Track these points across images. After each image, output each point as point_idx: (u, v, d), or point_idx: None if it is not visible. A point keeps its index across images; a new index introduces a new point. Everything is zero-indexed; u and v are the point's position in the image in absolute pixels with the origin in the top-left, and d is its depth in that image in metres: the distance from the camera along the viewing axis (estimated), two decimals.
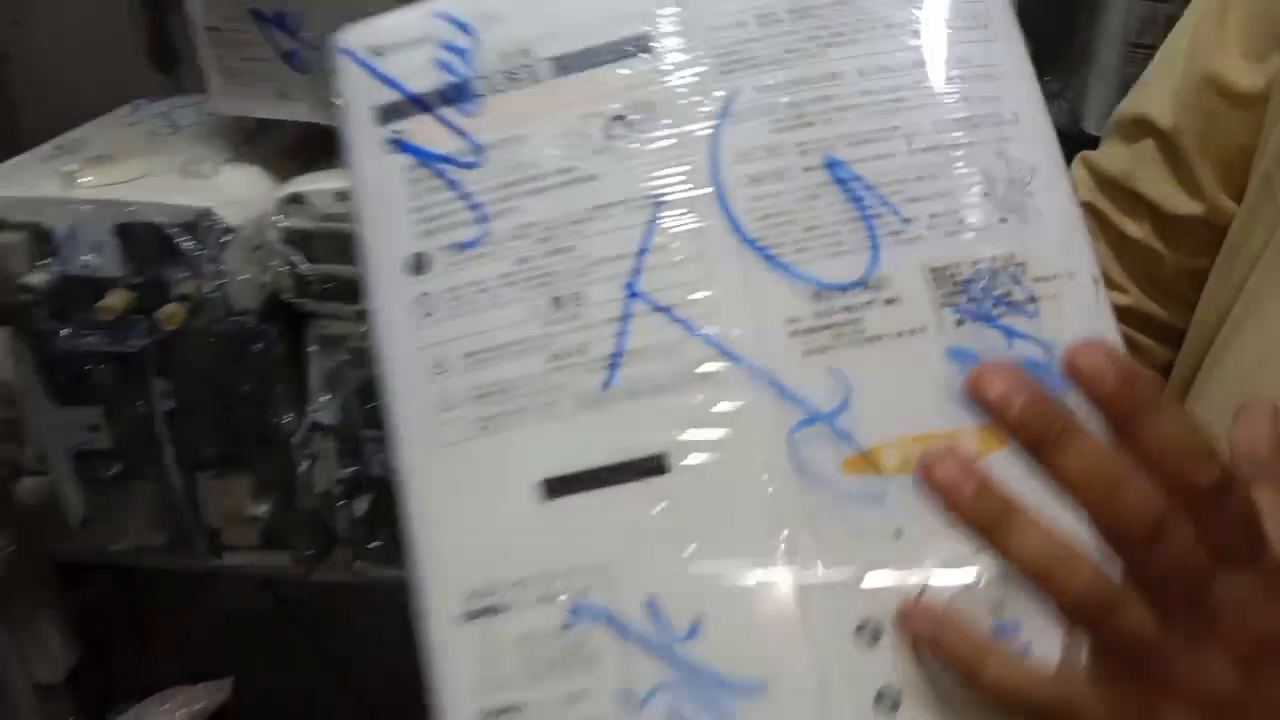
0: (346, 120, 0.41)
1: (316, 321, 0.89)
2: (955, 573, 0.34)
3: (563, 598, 0.36)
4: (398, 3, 0.42)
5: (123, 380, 0.92)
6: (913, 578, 0.34)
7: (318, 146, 0.92)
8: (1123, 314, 0.52)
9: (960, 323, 0.37)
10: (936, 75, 0.39)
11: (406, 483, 0.39)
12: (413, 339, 0.39)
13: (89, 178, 0.82)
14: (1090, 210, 0.56)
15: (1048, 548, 0.29)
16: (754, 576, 0.35)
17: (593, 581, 0.36)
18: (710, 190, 0.38)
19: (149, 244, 0.82)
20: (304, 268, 0.84)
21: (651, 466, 0.36)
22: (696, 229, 0.38)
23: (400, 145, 0.40)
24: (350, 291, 0.85)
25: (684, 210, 0.38)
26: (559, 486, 0.37)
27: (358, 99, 0.41)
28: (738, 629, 0.35)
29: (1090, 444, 0.27)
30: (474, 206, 0.39)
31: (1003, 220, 0.38)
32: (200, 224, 0.81)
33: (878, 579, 0.35)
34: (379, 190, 0.40)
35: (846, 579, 0.35)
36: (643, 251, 0.38)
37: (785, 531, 0.35)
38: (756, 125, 0.38)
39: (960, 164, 0.38)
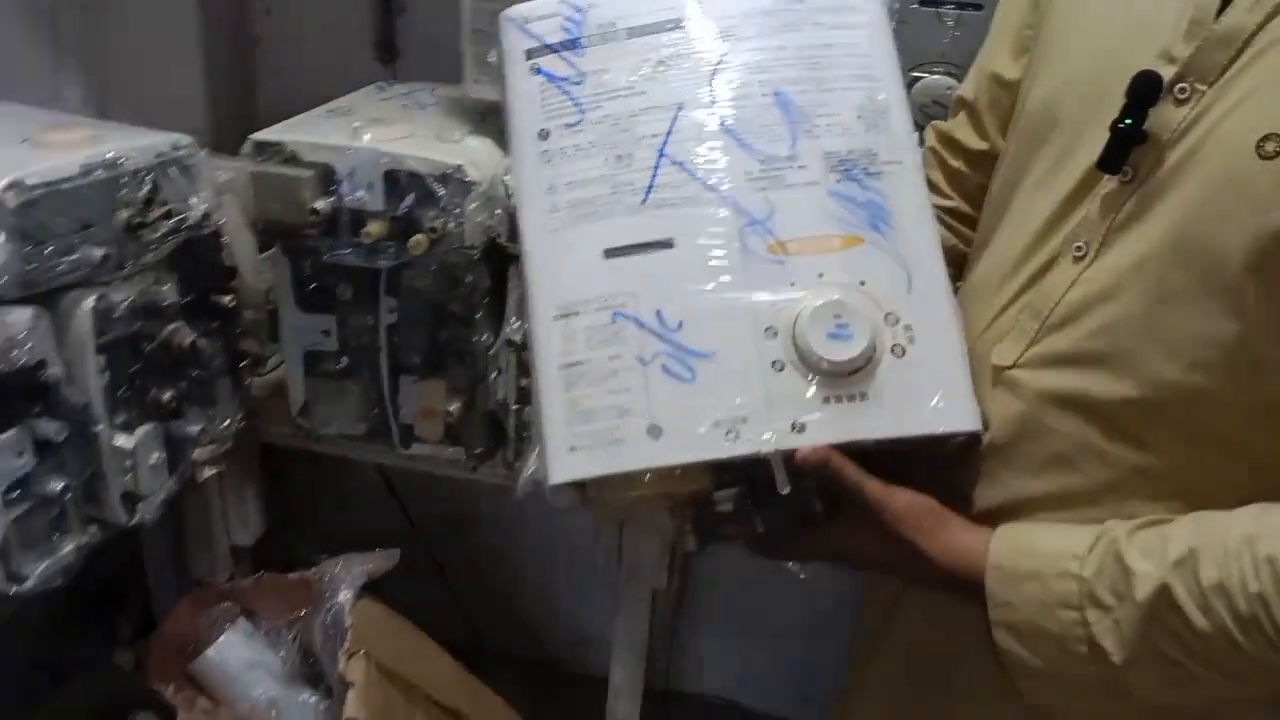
0: (507, 58, 0.76)
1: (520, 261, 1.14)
2: (818, 295, 0.67)
3: (610, 309, 0.70)
4: None
5: (358, 295, 1.19)
6: (797, 303, 0.67)
7: None
8: (949, 212, 0.87)
9: (839, 180, 0.70)
10: (838, 50, 0.74)
11: (528, 252, 0.73)
12: (538, 175, 0.73)
13: (369, 134, 1.09)
14: (933, 152, 0.91)
15: None
16: (715, 299, 0.69)
17: (627, 301, 0.70)
18: (710, 103, 0.73)
19: (409, 187, 1.08)
20: None
21: (665, 243, 0.71)
22: (699, 122, 0.73)
23: (538, 70, 0.76)
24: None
25: (694, 111, 0.73)
26: (613, 253, 0.72)
27: (515, 46, 0.77)
28: (704, 326, 0.68)
29: None
30: (577, 104, 0.75)
31: (867, 130, 0.72)
32: (452, 176, 1.07)
33: (777, 302, 0.68)
34: (525, 95, 0.76)
35: (762, 301, 0.68)
36: (669, 133, 0.72)
37: (729, 278, 0.69)
38: (738, 72, 0.73)
39: (847, 99, 0.72)
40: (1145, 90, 0.62)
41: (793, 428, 0.65)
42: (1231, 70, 0.60)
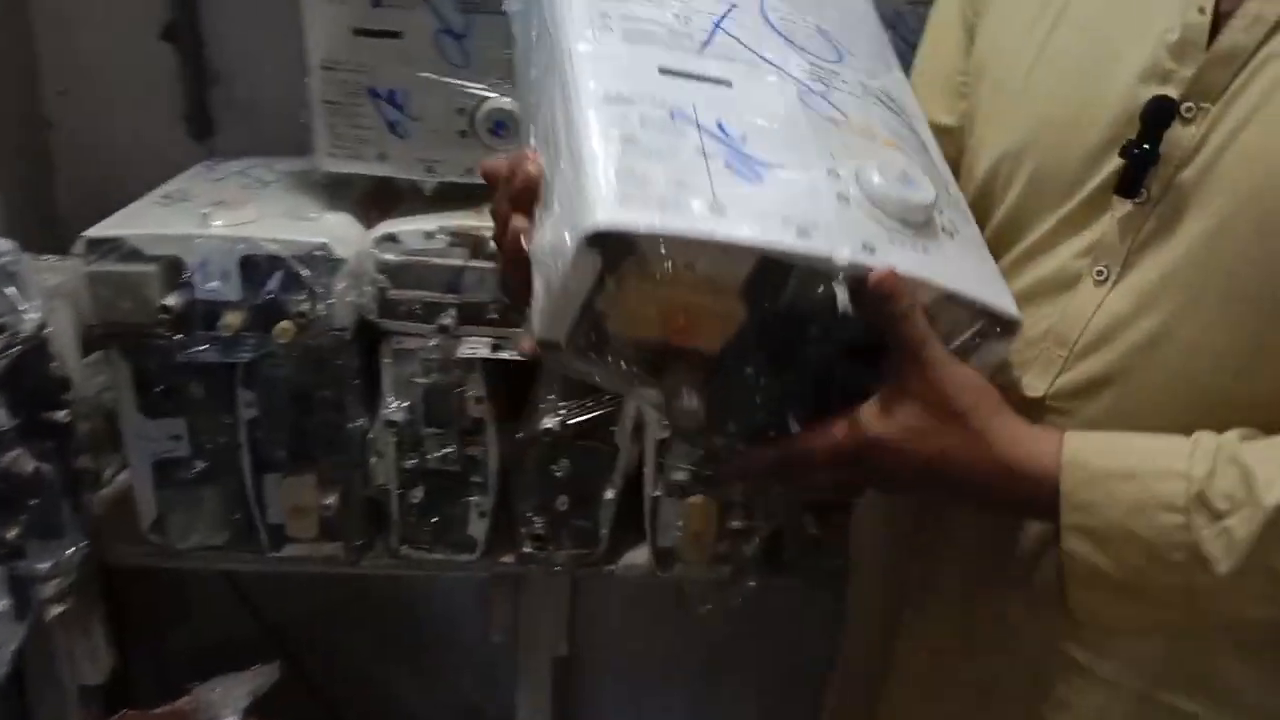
0: None
1: (392, 338, 1.09)
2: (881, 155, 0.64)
3: (667, 109, 0.61)
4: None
5: (211, 392, 1.10)
6: (862, 153, 0.64)
7: (385, 197, 1.13)
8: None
9: (875, 103, 0.70)
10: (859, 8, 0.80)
11: (570, 50, 0.63)
12: (588, 6, 0.66)
13: (218, 220, 1.00)
14: None
15: None
16: (780, 127, 0.63)
17: (686, 106, 0.62)
18: (762, 11, 0.72)
19: (269, 272, 1.00)
20: (391, 293, 1.05)
21: (723, 82, 0.65)
22: (755, 18, 0.71)
23: None
24: (424, 314, 1.06)
25: (748, 12, 0.71)
26: (669, 71, 0.63)
27: None
28: (770, 142, 0.62)
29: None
30: None
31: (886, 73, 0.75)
32: (316, 256, 1.00)
33: (842, 146, 0.64)
34: None
35: (829, 142, 0.64)
36: (726, 14, 0.69)
37: (791, 118, 0.64)
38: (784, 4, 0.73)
39: (869, 47, 0.76)
40: (1160, 114, 0.63)
41: (864, 247, 0.58)
42: (1234, 87, 0.62)
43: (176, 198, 1.09)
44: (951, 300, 0.61)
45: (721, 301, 0.58)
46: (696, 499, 1.15)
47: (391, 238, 1.04)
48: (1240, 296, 0.62)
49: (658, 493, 1.15)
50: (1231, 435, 0.61)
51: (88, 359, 1.13)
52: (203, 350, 1.03)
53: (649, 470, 1.14)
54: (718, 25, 0.69)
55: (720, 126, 0.61)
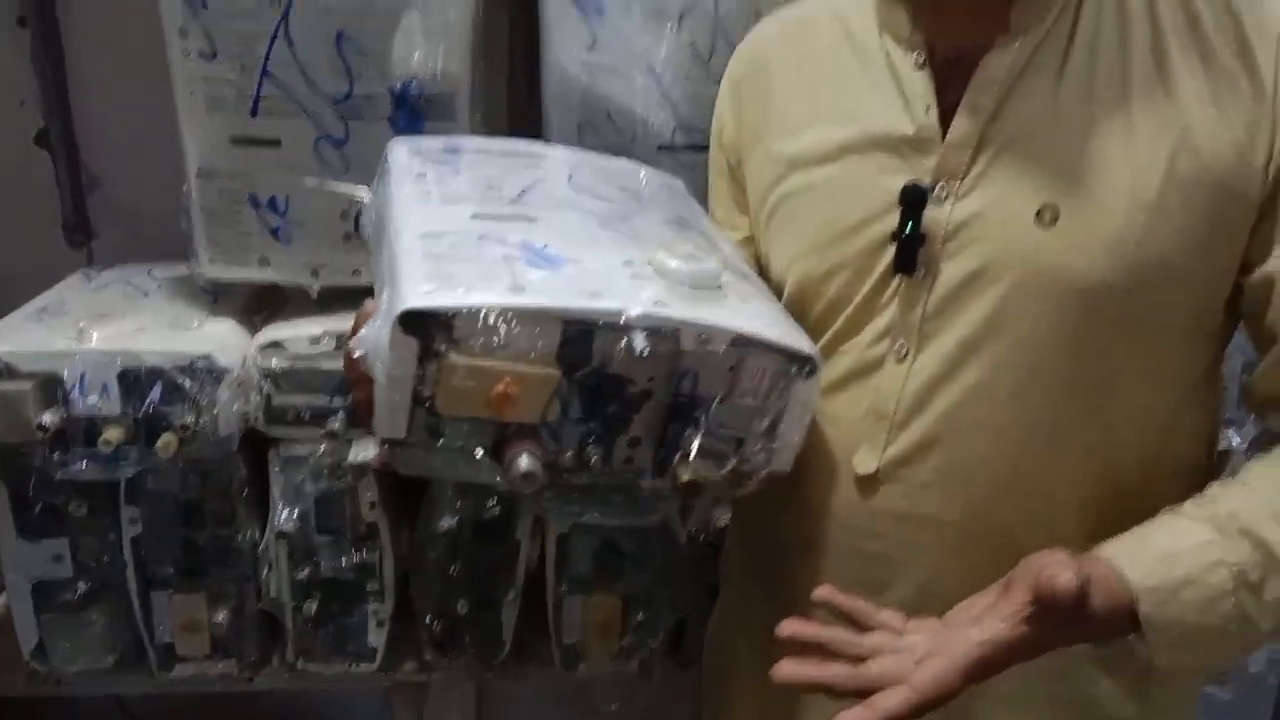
0: (393, 167, 0.80)
1: (281, 445, 1.06)
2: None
3: (476, 234, 0.69)
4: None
5: (94, 510, 1.06)
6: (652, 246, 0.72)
7: (269, 303, 1.12)
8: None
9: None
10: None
11: (398, 213, 0.73)
12: (415, 188, 0.76)
13: (96, 332, 0.98)
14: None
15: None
16: (579, 235, 0.72)
17: (495, 234, 0.69)
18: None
19: (150, 385, 0.98)
20: (277, 400, 1.03)
21: (528, 219, 0.73)
22: (557, 180, 0.82)
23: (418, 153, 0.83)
24: (311, 419, 1.04)
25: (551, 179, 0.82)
26: (480, 216, 0.72)
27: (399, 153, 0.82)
28: (568, 245, 0.69)
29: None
30: (453, 166, 0.80)
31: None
32: (199, 366, 0.98)
33: (632, 244, 0.73)
34: (405, 169, 0.80)
35: (621, 241, 0.73)
36: (533, 184, 0.80)
37: (587, 234, 0.74)
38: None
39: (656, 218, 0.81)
40: (915, 198, 0.70)
41: (655, 303, 0.64)
42: (976, 167, 0.70)
43: (53, 310, 1.06)
44: (749, 345, 0.66)
45: (535, 371, 0.63)
46: (599, 596, 1.14)
47: (276, 344, 1.02)
48: (1029, 348, 0.70)
49: (561, 589, 1.14)
50: (1230, 503, 0.67)
51: None
52: (82, 468, 0.99)
53: (550, 567, 1.13)
54: (526, 189, 0.78)
55: (524, 244, 0.69)
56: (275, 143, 0.98)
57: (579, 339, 0.63)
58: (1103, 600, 0.63)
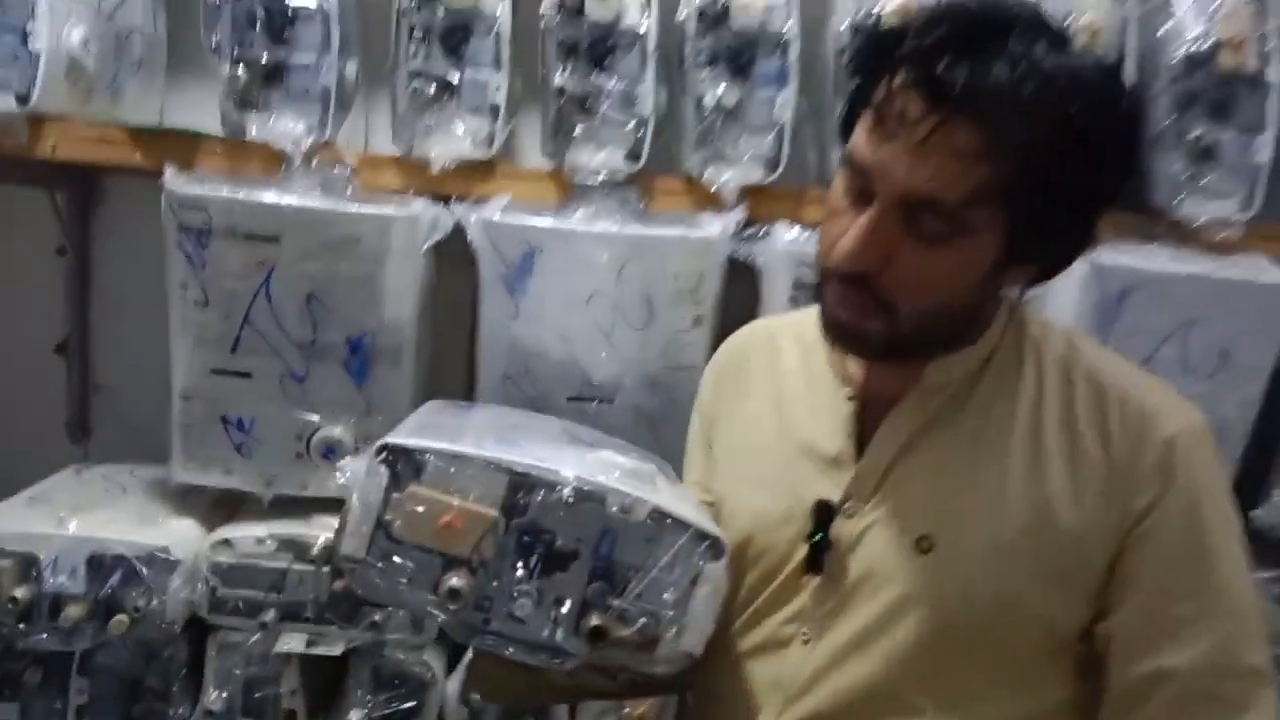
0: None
1: (220, 632, 1.22)
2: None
3: (457, 430, 0.85)
4: None
5: (46, 677, 1.20)
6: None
7: (232, 504, 1.29)
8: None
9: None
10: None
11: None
12: None
13: (74, 521, 1.16)
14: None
15: None
16: (548, 441, 0.91)
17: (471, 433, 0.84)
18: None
19: (113, 570, 1.14)
20: (221, 591, 1.19)
21: (511, 441, 0.85)
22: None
23: None
24: (248, 611, 1.20)
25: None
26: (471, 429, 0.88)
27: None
28: (533, 441, 0.87)
29: None
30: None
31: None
32: (156, 556, 1.15)
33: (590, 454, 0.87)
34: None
35: (581, 451, 0.88)
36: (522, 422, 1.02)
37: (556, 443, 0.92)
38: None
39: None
40: (823, 511, 0.83)
41: (592, 476, 0.78)
42: (881, 491, 0.82)
43: (41, 499, 1.24)
44: (665, 519, 0.78)
45: (478, 510, 0.76)
46: None
47: (226, 542, 1.19)
48: (905, 653, 0.79)
49: None
50: None
51: None
52: (42, 639, 1.14)
53: None
54: (520, 425, 0.96)
55: (498, 434, 0.85)
56: (248, 374, 1.18)
57: (520, 489, 0.76)
58: None
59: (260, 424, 1.20)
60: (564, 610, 0.78)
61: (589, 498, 0.77)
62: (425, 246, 1.19)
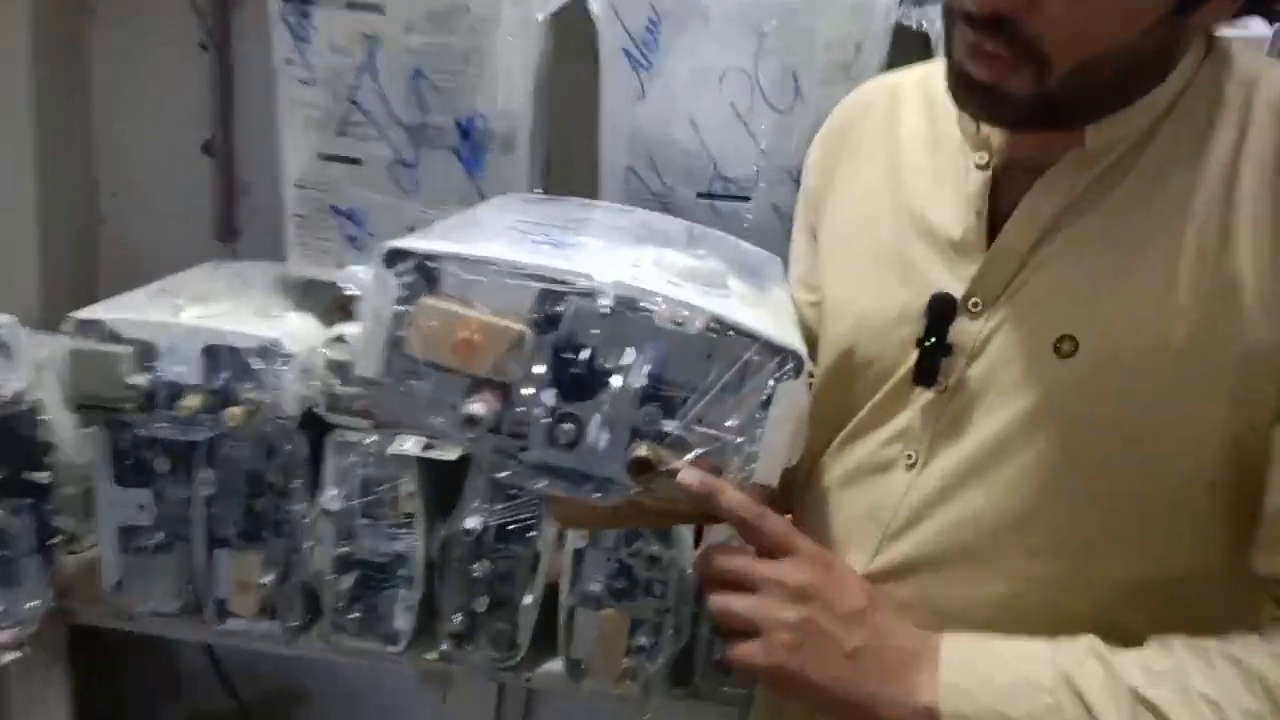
0: None
1: (336, 431, 1.18)
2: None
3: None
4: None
5: (175, 468, 1.20)
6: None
7: (350, 304, 1.24)
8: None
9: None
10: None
11: None
12: None
13: (190, 311, 1.13)
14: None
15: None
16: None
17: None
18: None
19: (227, 361, 1.12)
20: (339, 389, 1.15)
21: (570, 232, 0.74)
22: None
23: None
24: (366, 411, 1.15)
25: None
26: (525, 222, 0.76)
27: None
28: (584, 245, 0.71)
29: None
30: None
31: None
32: (270, 349, 1.11)
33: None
34: None
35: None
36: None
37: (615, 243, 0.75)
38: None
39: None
40: (942, 309, 0.67)
41: (632, 277, 0.64)
42: (1014, 284, 0.66)
43: (170, 291, 1.22)
44: (727, 331, 0.64)
45: (501, 323, 0.64)
46: (609, 611, 1.20)
47: (340, 338, 1.14)
48: (1028, 482, 0.65)
49: (572, 602, 1.20)
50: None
51: (84, 430, 1.25)
52: (162, 427, 1.14)
53: (564, 580, 1.19)
54: (587, 220, 0.82)
55: (541, 233, 0.71)
56: (357, 161, 1.10)
57: (550, 299, 0.64)
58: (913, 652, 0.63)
59: (372, 216, 1.13)
60: (607, 437, 0.65)
61: (631, 306, 0.63)
62: (542, 17, 1.06)
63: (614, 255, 0.69)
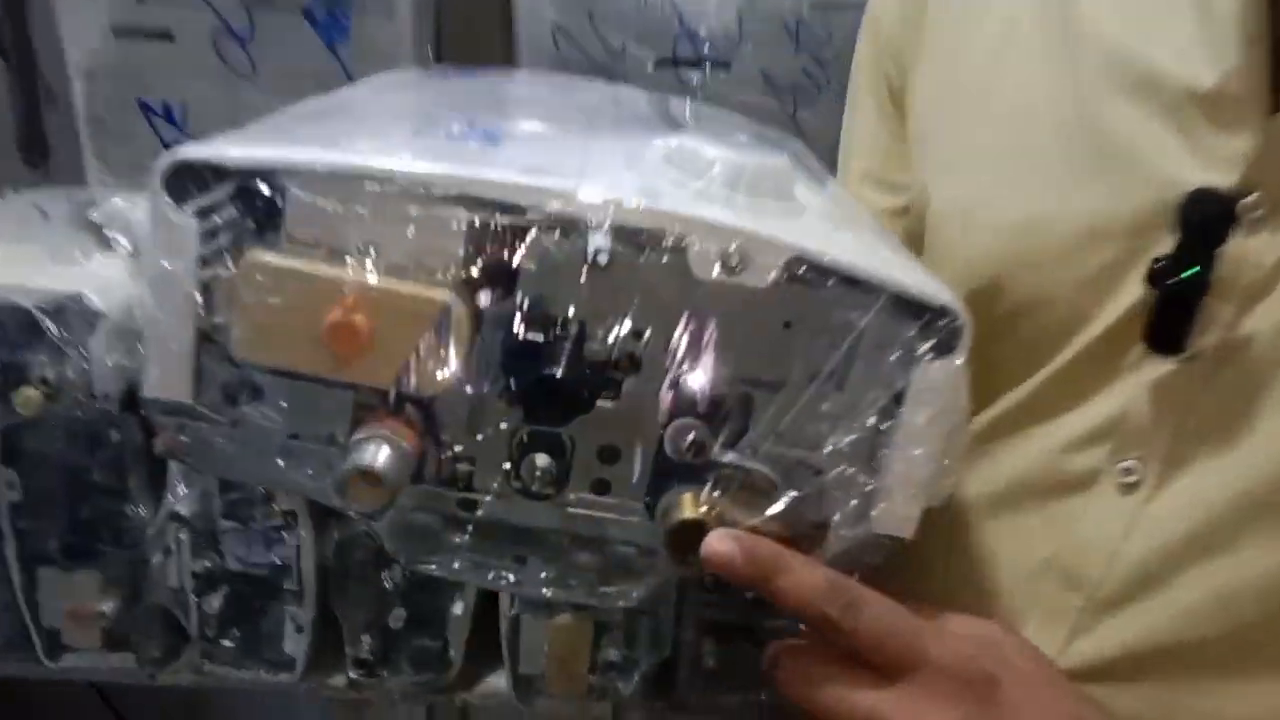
0: None
1: None
2: None
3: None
4: None
5: None
6: None
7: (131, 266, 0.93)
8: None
9: None
10: None
11: None
12: None
13: None
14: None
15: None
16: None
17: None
18: None
19: (10, 326, 0.81)
20: None
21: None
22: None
23: None
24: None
25: None
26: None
27: None
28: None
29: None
30: None
31: None
32: (67, 307, 0.80)
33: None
34: None
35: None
36: None
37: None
38: None
39: None
40: (1207, 216, 0.38)
41: (640, 191, 0.37)
42: None
43: None
44: (827, 278, 0.37)
45: (406, 293, 0.35)
46: (564, 619, 0.93)
47: None
48: None
49: (514, 611, 0.93)
50: None
51: None
52: None
53: None
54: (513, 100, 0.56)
55: (454, 121, 0.43)
56: (167, 35, 0.78)
57: (494, 242, 0.36)
58: None
59: (194, 110, 0.81)
60: (619, 484, 0.39)
61: (647, 244, 0.35)
62: None
63: (591, 153, 0.40)
